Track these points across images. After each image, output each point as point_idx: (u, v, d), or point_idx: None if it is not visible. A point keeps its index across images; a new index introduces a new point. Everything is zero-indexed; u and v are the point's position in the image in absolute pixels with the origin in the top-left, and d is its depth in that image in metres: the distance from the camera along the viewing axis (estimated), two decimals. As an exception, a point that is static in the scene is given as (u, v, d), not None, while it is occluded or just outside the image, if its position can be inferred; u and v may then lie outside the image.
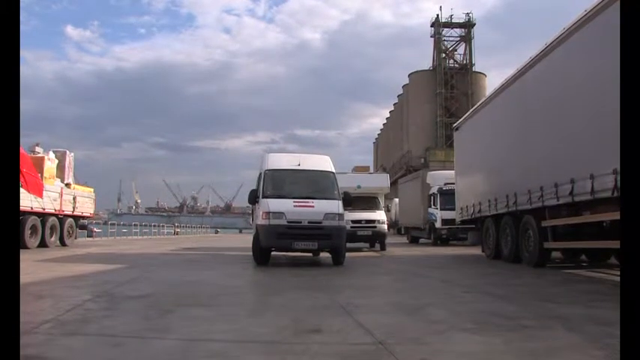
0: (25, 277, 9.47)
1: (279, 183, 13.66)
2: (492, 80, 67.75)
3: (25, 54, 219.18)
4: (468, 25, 74.23)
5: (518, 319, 5.63)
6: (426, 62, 77.61)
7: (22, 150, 19.01)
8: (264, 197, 13.18)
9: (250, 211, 18.76)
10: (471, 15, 74.54)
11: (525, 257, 12.71)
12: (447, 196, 23.02)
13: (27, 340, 4.49)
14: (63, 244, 21.90)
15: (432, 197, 26.46)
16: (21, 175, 18.30)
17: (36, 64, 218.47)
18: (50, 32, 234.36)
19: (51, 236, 20.82)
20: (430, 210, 26.65)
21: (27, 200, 18.90)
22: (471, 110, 18.54)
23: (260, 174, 13.89)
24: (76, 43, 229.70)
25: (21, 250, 16.66)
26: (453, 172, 20.44)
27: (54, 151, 22.38)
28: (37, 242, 19.70)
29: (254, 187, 14.00)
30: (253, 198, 13.64)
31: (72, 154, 23.74)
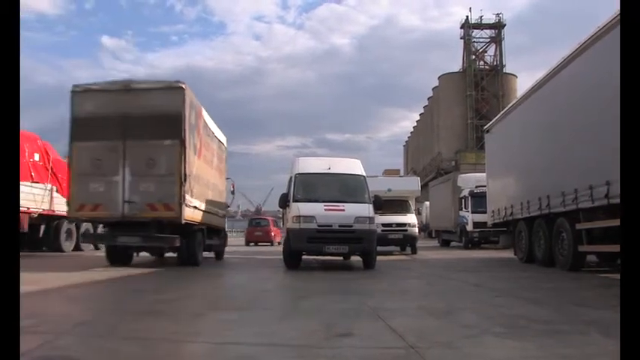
0: (59, 281, 9.69)
1: (309, 187, 13.68)
2: (523, 82, 66.84)
3: (62, 63, 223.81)
4: (498, 25, 73.34)
5: (552, 323, 5.54)
6: (455, 66, 77.01)
7: (57, 155, 19.45)
8: (294, 201, 13.21)
9: (281, 215, 18.97)
10: (501, 16, 73.71)
11: (559, 261, 12.50)
12: (479, 199, 22.86)
13: (63, 341, 4.60)
14: (96, 247, 22.25)
15: (463, 200, 26.23)
16: (57, 180, 18.74)
17: (72, 73, 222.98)
18: (87, 42, 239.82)
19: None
20: (461, 213, 26.42)
21: (62, 205, 19.29)
22: (502, 112, 18.34)
23: (290, 178, 13.93)
24: (111, 52, 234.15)
25: (57, 254, 17.09)
26: (484, 174, 20.24)
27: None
28: (72, 246, 20.08)
29: (284, 191, 14.05)
30: (284, 202, 13.69)
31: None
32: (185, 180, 12.21)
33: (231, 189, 19.21)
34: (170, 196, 12.05)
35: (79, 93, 12.66)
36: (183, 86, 12.49)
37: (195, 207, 13.38)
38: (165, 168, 12.20)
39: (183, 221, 12.36)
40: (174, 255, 14.13)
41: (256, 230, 33.12)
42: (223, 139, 17.53)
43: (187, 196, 12.42)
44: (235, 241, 25.32)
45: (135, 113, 12.31)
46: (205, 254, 15.13)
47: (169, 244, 12.84)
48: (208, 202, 14.82)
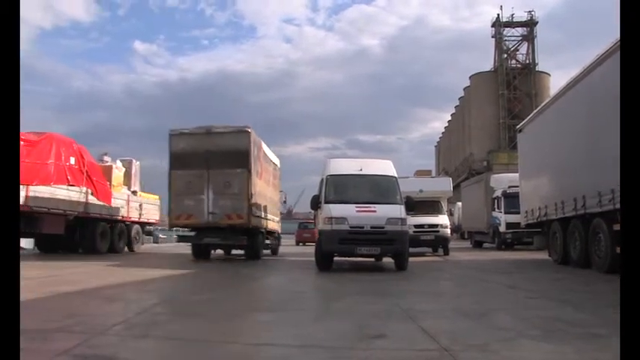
0: (96, 281, 9.89)
1: (341, 188, 13.67)
2: (556, 80, 65.63)
3: (97, 69, 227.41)
4: (530, 23, 72.10)
5: (589, 327, 5.44)
6: (486, 65, 75.99)
7: (92, 159, 19.79)
8: (326, 202, 13.23)
9: (312, 217, 19.46)
10: (533, 13, 72.56)
11: (596, 262, 12.26)
12: (511, 200, 22.59)
13: (100, 341, 4.70)
14: (130, 249, 22.64)
15: (496, 201, 25.99)
16: (91, 183, 19.07)
17: (107, 79, 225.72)
18: (120, 48, 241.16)
19: (119, 241, 21.60)
20: (494, 214, 26.18)
21: (97, 207, 19.66)
22: (536, 111, 18.09)
23: (322, 179, 13.96)
24: (143, 57, 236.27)
25: (92, 255, 17.52)
26: (516, 174, 19.99)
27: (121, 160, 23.16)
28: (107, 247, 20.44)
29: (316, 193, 14.08)
30: (315, 203, 13.72)
31: (138, 162, 24.49)
32: (251, 197, 16.83)
33: (283, 199, 25.18)
34: (241, 208, 16.62)
35: (175, 135, 17.39)
36: (249, 130, 17.13)
37: (259, 216, 18.01)
38: (237, 189, 16.70)
39: (250, 226, 17.04)
40: (239, 252, 19.02)
41: (304, 232, 38.13)
42: (277, 161, 22.40)
43: (253, 208, 17.02)
44: (283, 241, 26.25)
45: (215, 150, 16.84)
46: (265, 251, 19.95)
47: (240, 243, 17.59)
48: (267, 212, 19.64)
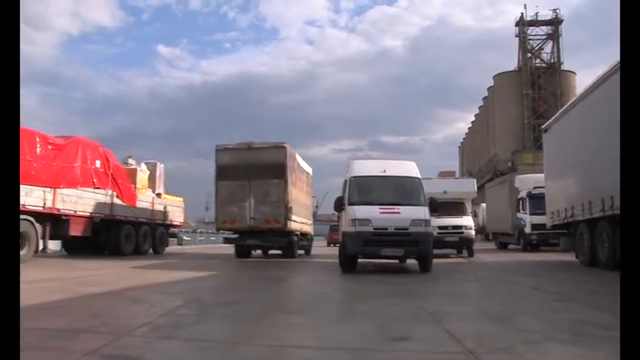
0: (122, 283, 9.99)
1: (364, 190, 13.63)
2: (582, 79, 64.81)
3: (122, 73, 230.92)
4: (555, 22, 71.39)
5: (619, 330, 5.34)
6: (510, 65, 75.40)
7: (117, 162, 20.02)
8: (350, 204, 13.20)
9: (336, 219, 20.01)
10: (558, 11, 71.74)
11: (624, 264, 12.04)
12: (537, 200, 22.32)
13: (125, 341, 4.75)
14: (155, 251, 22.80)
15: (521, 201, 25.74)
16: (117, 186, 19.29)
17: (131, 82, 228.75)
18: (144, 52, 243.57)
19: (144, 243, 21.75)
20: (519, 215, 25.92)
21: (122, 209, 19.87)
22: (561, 110, 17.86)
23: (346, 181, 13.93)
24: (167, 60, 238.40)
25: (118, 257, 17.70)
26: (542, 175, 19.78)
27: (145, 163, 23.35)
28: (132, 249, 20.63)
29: (340, 195, 14.05)
30: (339, 205, 13.68)
31: (162, 165, 24.67)
32: (287, 204, 19.18)
33: (316, 204, 29.18)
34: (279, 214, 19.05)
35: (220, 150, 19.73)
36: (286, 145, 19.53)
37: (294, 220, 20.32)
38: (275, 197, 19.04)
39: (287, 230, 19.41)
40: (275, 252, 21.24)
41: (335, 234, 38.64)
42: (309, 170, 24.80)
43: (289, 214, 19.38)
44: (314, 243, 26.82)
45: (255, 163, 19.14)
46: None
47: (278, 244, 20.07)
48: (301, 216, 22.00)
